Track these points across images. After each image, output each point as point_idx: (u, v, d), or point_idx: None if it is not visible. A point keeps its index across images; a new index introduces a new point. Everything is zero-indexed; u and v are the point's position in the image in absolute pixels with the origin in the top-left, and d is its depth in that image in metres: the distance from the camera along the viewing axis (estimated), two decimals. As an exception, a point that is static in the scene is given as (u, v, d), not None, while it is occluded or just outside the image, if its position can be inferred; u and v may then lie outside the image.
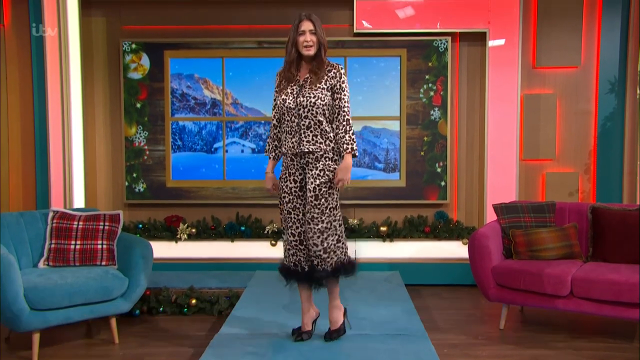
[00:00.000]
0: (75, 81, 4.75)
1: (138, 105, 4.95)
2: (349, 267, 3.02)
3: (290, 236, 3.01)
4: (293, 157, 2.97)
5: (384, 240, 4.87)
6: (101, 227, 3.64)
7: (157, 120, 4.96)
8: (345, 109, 2.94)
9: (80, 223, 3.64)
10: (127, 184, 4.99)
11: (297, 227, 2.98)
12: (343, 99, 2.94)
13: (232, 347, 2.97)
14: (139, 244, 3.57)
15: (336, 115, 2.95)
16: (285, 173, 3.01)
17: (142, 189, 4.99)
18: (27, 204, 4.87)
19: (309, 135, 2.92)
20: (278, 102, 3.00)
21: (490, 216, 4.68)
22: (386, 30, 4.83)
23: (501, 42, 4.79)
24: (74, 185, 4.73)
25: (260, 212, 5.02)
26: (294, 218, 2.98)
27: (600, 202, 4.46)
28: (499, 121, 4.83)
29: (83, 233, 3.61)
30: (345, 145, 2.91)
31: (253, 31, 4.97)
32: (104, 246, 3.61)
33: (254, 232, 4.91)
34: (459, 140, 5.03)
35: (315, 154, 2.93)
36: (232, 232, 4.90)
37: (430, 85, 4.90)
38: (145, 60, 4.93)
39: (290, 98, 2.94)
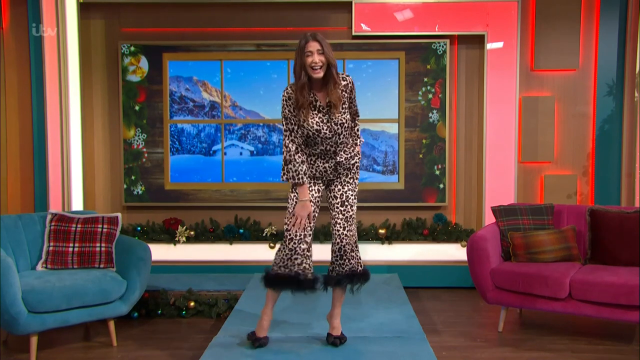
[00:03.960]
0: (74, 83, 4.75)
1: (137, 108, 4.95)
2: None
3: (304, 244, 2.94)
4: (324, 173, 2.98)
5: (382, 243, 4.87)
6: (99, 229, 3.63)
7: (156, 123, 4.96)
8: (357, 120, 3.08)
9: (79, 225, 3.63)
10: (125, 186, 4.99)
11: (310, 235, 2.97)
12: (354, 109, 3.04)
13: (231, 350, 2.97)
14: (137, 247, 3.56)
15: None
16: (310, 182, 2.97)
17: (140, 192, 4.99)
18: (25, 206, 4.87)
19: (342, 157, 2.96)
20: (309, 130, 2.86)
21: (489, 218, 4.69)
22: (385, 32, 4.84)
23: (499, 44, 4.80)
24: (72, 187, 4.73)
25: (259, 215, 5.01)
26: (311, 226, 2.97)
27: (598, 204, 4.46)
28: (498, 124, 4.84)
29: (81, 236, 3.60)
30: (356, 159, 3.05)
31: (251, 34, 4.97)
32: (103, 249, 3.60)
33: (253, 234, 4.91)
34: (457, 143, 5.03)
35: (347, 165, 2.98)
36: (230, 235, 4.90)
37: (428, 87, 4.90)
38: (144, 63, 4.93)
39: (325, 127, 2.86)
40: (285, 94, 2.87)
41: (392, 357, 2.85)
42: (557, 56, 4.85)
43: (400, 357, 2.85)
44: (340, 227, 2.97)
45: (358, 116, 3.09)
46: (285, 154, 2.89)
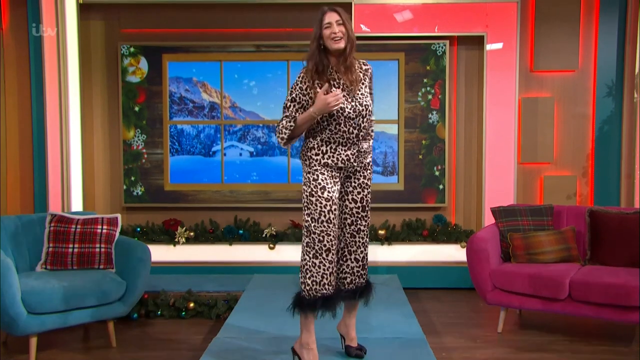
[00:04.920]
0: (74, 84, 4.75)
1: (136, 109, 4.95)
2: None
3: (333, 255, 2.65)
4: (346, 161, 2.69)
5: (382, 244, 4.87)
6: (99, 230, 3.63)
7: (155, 124, 4.96)
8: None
9: (78, 226, 3.63)
10: (125, 187, 4.98)
11: (335, 245, 2.69)
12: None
13: (230, 351, 2.96)
14: (137, 248, 3.56)
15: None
16: (330, 182, 2.65)
17: (140, 193, 4.99)
18: (24, 207, 4.87)
19: (363, 146, 2.71)
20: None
21: (489, 219, 4.69)
22: (384, 34, 4.84)
23: (499, 45, 4.80)
24: (72, 188, 4.73)
25: (259, 216, 5.01)
26: (336, 233, 2.68)
27: (598, 205, 4.46)
28: (497, 124, 4.84)
29: (81, 236, 3.60)
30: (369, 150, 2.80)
31: (251, 35, 4.97)
32: (102, 250, 3.60)
33: (252, 235, 4.91)
34: (457, 144, 5.03)
35: (365, 163, 2.76)
36: (230, 236, 4.90)
37: (428, 88, 4.90)
38: (143, 64, 4.93)
39: (349, 107, 2.60)
40: (303, 71, 2.66)
41: (392, 357, 2.85)
42: (557, 57, 4.86)
43: (400, 357, 2.85)
44: (364, 234, 2.76)
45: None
46: (278, 131, 2.67)
